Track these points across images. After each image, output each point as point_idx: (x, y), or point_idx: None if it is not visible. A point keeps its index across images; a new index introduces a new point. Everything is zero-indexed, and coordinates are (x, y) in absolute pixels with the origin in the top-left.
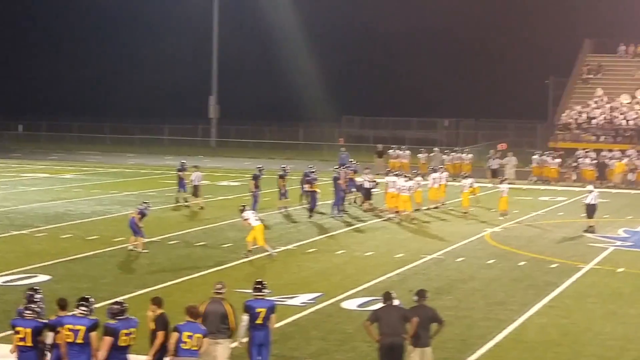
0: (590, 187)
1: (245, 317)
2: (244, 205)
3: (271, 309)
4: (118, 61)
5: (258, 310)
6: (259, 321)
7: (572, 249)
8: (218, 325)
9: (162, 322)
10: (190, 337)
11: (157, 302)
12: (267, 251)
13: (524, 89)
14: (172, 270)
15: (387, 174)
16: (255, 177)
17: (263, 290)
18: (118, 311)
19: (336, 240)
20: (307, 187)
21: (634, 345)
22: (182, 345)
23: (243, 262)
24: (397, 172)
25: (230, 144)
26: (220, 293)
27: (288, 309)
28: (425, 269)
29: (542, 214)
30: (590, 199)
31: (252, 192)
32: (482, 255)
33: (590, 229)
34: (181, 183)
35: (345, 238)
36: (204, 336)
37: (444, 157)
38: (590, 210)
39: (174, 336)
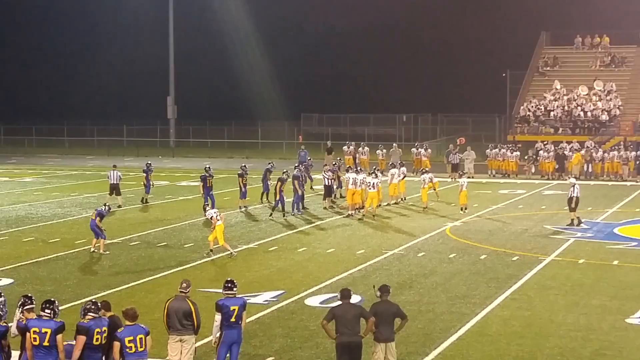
0: (572, 180)
1: (217, 317)
2: (207, 204)
3: (243, 307)
4: (75, 63)
5: (232, 308)
6: (232, 319)
7: (533, 242)
8: (182, 321)
9: (113, 326)
10: (132, 340)
11: (105, 306)
12: (228, 250)
13: (481, 82)
14: (134, 271)
15: (346, 171)
16: (203, 179)
17: (234, 289)
18: (95, 309)
19: (297, 238)
20: (278, 185)
21: (595, 335)
22: (128, 351)
23: (205, 261)
24: (357, 169)
25: (189, 144)
26: (186, 292)
27: (251, 307)
28: (387, 264)
29: (502, 207)
30: (574, 192)
31: (202, 193)
32: (443, 250)
33: (575, 221)
34: (146, 184)
35: (307, 235)
36: (147, 335)
37: (420, 150)
38: (574, 202)
39: (116, 346)
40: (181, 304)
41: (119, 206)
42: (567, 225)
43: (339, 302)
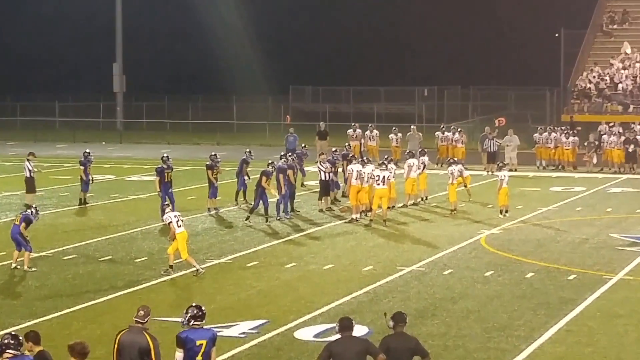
0: None
1: (179, 354)
2: (167, 204)
3: (212, 341)
4: None
5: (199, 342)
6: (199, 357)
7: (595, 255)
8: None
9: None
10: None
11: (32, 338)
12: (193, 266)
13: (527, 45)
14: (69, 294)
15: (349, 161)
16: (160, 172)
17: (201, 318)
18: (15, 344)
19: (285, 250)
20: (264, 180)
21: None
22: None
23: (163, 281)
24: (363, 159)
25: (142, 126)
26: (143, 322)
27: (224, 341)
28: (402, 285)
29: (555, 209)
30: None
31: (159, 191)
32: (477, 266)
33: None
34: (85, 180)
35: (297, 247)
36: None
37: (447, 134)
38: None
39: None
40: (136, 338)
41: (29, 207)
42: None
43: (338, 336)
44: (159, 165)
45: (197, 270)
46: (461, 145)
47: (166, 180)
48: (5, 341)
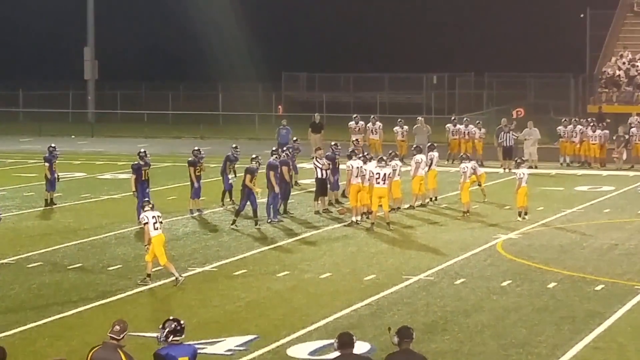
0: None
1: None
2: (148, 201)
3: (194, 357)
4: None
5: (180, 359)
6: None
7: (626, 263)
8: None
9: None
10: None
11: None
12: (172, 275)
13: (548, 28)
14: (34, 306)
15: (349, 157)
16: (137, 169)
17: (180, 333)
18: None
19: (276, 257)
20: (248, 179)
21: None
22: None
23: (139, 291)
24: (364, 154)
25: (116, 117)
26: (118, 338)
27: (208, 359)
28: (409, 296)
29: (580, 211)
30: None
31: (135, 190)
32: (492, 275)
33: None
34: (50, 178)
35: (290, 253)
36: None
37: (459, 127)
38: None
39: None
40: (110, 356)
41: None
42: None
43: (337, 354)
44: (135, 162)
45: (177, 279)
46: (479, 140)
47: (143, 178)
48: None
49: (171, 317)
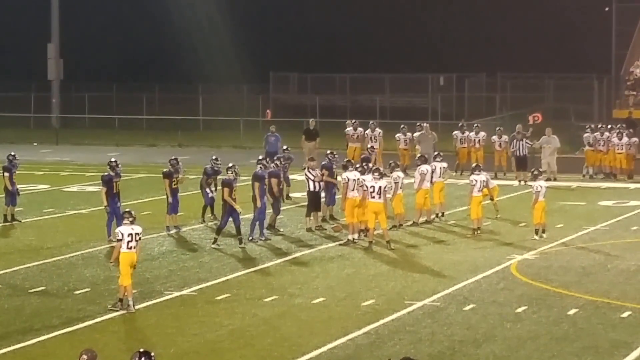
0: None
1: None
2: (128, 211)
3: None
4: None
5: None
6: None
7: None
8: None
9: None
10: None
11: None
12: (128, 301)
13: (570, 24)
14: None
15: (345, 168)
16: (108, 181)
17: None
18: None
19: (263, 280)
20: (226, 193)
21: None
22: None
23: (109, 318)
24: (363, 165)
25: (84, 122)
26: None
27: None
28: (412, 324)
29: (605, 228)
30: None
31: (106, 205)
32: (506, 300)
33: None
34: (10, 190)
35: (279, 275)
36: None
37: (468, 134)
38: None
39: None
40: None
41: None
42: None
43: None
44: (106, 173)
45: (129, 306)
46: (500, 149)
47: (114, 191)
48: None
49: (141, 349)
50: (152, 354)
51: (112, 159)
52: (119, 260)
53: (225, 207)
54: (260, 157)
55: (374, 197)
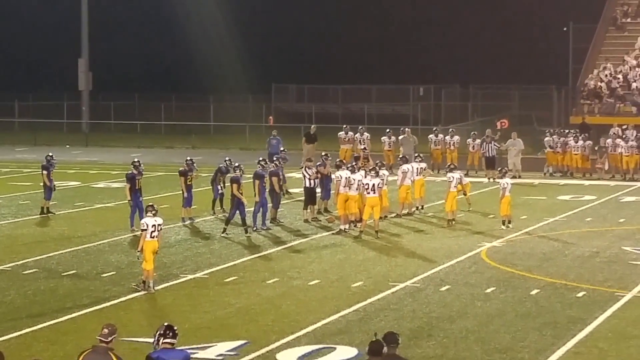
0: None
1: None
2: (151, 206)
3: None
4: None
5: None
6: None
7: (607, 270)
8: None
9: None
10: None
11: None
12: (148, 283)
13: (532, 41)
14: (29, 312)
15: (337, 167)
16: (131, 178)
17: (175, 337)
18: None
19: (266, 265)
20: (234, 188)
21: None
22: None
23: (132, 297)
24: (353, 165)
25: (110, 127)
26: (107, 341)
27: None
28: (395, 302)
29: (563, 219)
30: None
31: (130, 199)
32: (477, 282)
33: None
34: (48, 186)
35: (279, 261)
36: None
37: (441, 137)
38: None
39: None
40: (101, 359)
41: None
42: None
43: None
44: (129, 171)
45: (149, 287)
46: (473, 150)
47: (137, 187)
48: None
49: (166, 323)
50: (175, 328)
51: (135, 159)
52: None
53: (234, 201)
54: (260, 158)
55: (369, 193)
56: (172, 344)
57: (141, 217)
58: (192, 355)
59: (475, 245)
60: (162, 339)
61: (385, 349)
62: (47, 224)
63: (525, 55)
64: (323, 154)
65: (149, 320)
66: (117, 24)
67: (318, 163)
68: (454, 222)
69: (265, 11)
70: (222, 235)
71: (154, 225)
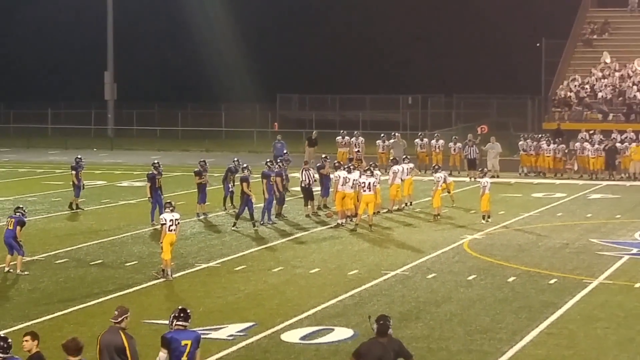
0: None
1: (162, 354)
2: (169, 203)
3: (197, 342)
4: None
5: (184, 343)
6: (184, 358)
7: (576, 260)
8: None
9: None
10: None
11: (32, 335)
12: (166, 271)
13: (509, 55)
14: (61, 297)
15: (336, 168)
16: (152, 178)
17: (188, 320)
18: (3, 348)
19: (272, 255)
20: (244, 187)
21: None
22: None
23: (152, 284)
24: (349, 166)
25: (132, 132)
26: (118, 321)
27: (212, 343)
28: (387, 288)
29: (536, 215)
30: None
31: (150, 196)
32: (460, 270)
33: None
34: (77, 185)
35: (284, 251)
36: None
37: (427, 141)
38: None
39: None
40: (112, 338)
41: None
42: None
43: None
44: (150, 172)
45: (167, 276)
46: (455, 153)
47: (157, 186)
48: None
49: (180, 307)
50: (189, 310)
51: (155, 161)
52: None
53: (243, 198)
54: (268, 160)
55: (365, 191)
56: (185, 325)
57: (161, 213)
58: (205, 336)
59: (458, 238)
60: (175, 321)
61: (390, 330)
62: (76, 218)
63: (503, 68)
64: (323, 156)
65: (168, 304)
66: (139, 41)
67: (318, 164)
68: (439, 217)
69: (271, 29)
70: (233, 228)
71: (171, 220)
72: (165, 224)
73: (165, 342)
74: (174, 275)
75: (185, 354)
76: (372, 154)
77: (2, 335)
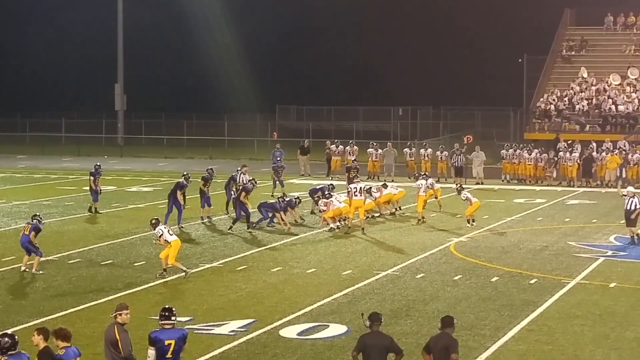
0: (630, 189)
1: (151, 352)
2: (156, 219)
3: (182, 340)
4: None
5: (167, 342)
6: (169, 355)
7: (555, 261)
8: (111, 353)
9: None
10: None
11: (43, 332)
12: (182, 270)
13: (493, 69)
14: (73, 294)
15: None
16: (181, 187)
17: (172, 318)
18: (9, 345)
19: (271, 256)
20: (242, 197)
21: None
22: None
23: (158, 283)
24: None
25: (141, 141)
26: (114, 316)
27: (214, 338)
28: (378, 287)
29: (518, 219)
30: (631, 204)
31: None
32: (446, 271)
33: (636, 237)
34: (94, 190)
35: (282, 252)
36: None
37: (416, 150)
38: (629, 216)
39: None
40: (108, 332)
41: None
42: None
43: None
44: (181, 180)
45: (186, 272)
46: (442, 161)
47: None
48: (4, 339)
49: (166, 306)
50: (174, 309)
51: (186, 172)
52: (163, 240)
53: (236, 204)
54: (280, 195)
55: (356, 196)
56: (171, 324)
57: (179, 219)
58: (208, 332)
59: (445, 240)
60: (160, 320)
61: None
62: (88, 221)
63: (487, 82)
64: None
65: (172, 302)
66: (147, 56)
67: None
68: (423, 220)
69: (272, 45)
70: (228, 231)
71: (166, 227)
72: (162, 234)
73: (150, 341)
74: (174, 276)
75: (170, 352)
76: (364, 161)
77: (9, 332)
